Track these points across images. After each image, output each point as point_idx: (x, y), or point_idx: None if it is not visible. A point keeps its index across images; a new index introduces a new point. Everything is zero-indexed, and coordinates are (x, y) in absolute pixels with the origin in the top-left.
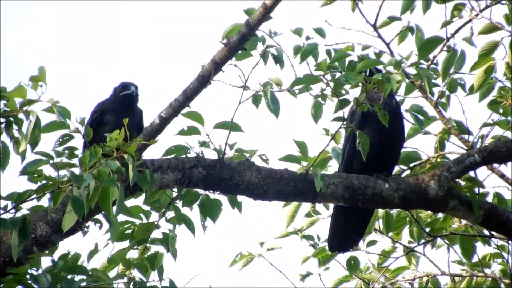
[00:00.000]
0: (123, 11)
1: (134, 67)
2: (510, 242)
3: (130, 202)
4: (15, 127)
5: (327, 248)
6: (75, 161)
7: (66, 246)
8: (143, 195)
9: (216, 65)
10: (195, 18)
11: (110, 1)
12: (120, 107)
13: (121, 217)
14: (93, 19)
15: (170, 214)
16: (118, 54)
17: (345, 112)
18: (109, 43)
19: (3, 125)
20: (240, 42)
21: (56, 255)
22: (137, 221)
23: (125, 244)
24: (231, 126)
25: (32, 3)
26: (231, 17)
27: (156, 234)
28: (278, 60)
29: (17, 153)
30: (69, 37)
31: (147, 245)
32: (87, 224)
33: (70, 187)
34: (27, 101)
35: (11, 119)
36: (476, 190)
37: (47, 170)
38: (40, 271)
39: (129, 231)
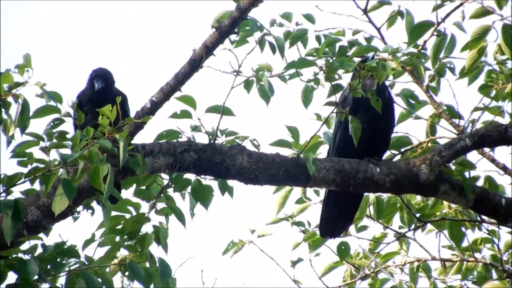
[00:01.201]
0: (123, 11)
1: (132, 59)
2: (500, 227)
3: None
4: (3, 110)
5: (317, 233)
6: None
7: (57, 231)
8: (133, 187)
9: (208, 49)
10: (187, 4)
11: (110, 1)
12: (96, 97)
13: (113, 213)
14: (93, 19)
15: (161, 205)
16: (118, 54)
17: (337, 97)
18: (109, 42)
19: None
20: (232, 26)
21: (49, 240)
22: (128, 215)
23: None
24: (222, 110)
25: (32, 3)
26: (223, 3)
27: (147, 227)
28: (279, 49)
29: (6, 136)
30: (69, 37)
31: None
32: (78, 209)
33: (61, 169)
34: (14, 85)
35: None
36: (467, 174)
37: (38, 153)
38: (28, 256)
39: (120, 226)
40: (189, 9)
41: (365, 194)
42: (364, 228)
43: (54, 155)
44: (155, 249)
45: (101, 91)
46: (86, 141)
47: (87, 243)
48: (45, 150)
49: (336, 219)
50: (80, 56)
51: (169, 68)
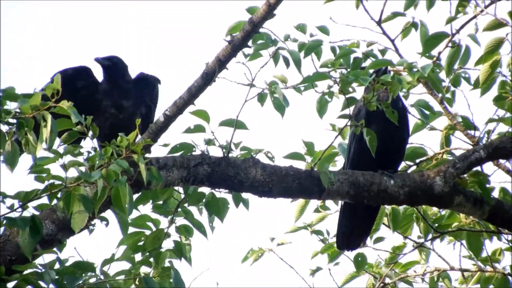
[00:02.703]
0: (124, 11)
1: (136, 66)
2: None
3: (136, 212)
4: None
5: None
6: (81, 158)
7: (72, 243)
8: (150, 202)
9: (220, 63)
10: (199, 16)
11: (110, 1)
12: (111, 85)
13: (131, 229)
14: (93, 19)
15: (180, 219)
16: (119, 54)
17: (351, 110)
18: (111, 43)
19: (14, 127)
20: (244, 39)
21: (65, 254)
22: (147, 232)
23: (138, 256)
24: (236, 124)
25: (32, 3)
26: (236, 14)
27: (168, 243)
28: (295, 63)
29: (28, 153)
30: (69, 37)
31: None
32: (93, 222)
33: (78, 186)
34: (40, 104)
35: (23, 121)
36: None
37: (55, 169)
38: (44, 269)
39: (141, 243)
40: (200, 16)
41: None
42: (380, 239)
43: (72, 171)
44: (177, 262)
45: (109, 68)
46: (103, 160)
47: (106, 262)
48: (65, 167)
49: (352, 232)
50: (80, 56)
51: (177, 74)
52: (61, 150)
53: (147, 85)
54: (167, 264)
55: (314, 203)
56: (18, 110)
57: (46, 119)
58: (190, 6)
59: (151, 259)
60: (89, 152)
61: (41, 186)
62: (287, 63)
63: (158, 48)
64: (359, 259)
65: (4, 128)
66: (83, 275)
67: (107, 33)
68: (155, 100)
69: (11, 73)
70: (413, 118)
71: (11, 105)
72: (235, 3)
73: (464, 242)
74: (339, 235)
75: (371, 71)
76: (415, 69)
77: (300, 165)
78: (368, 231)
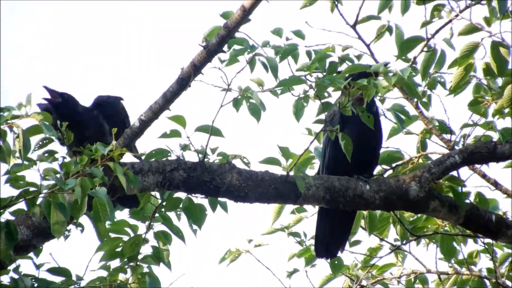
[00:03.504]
0: (124, 11)
1: (132, 65)
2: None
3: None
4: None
5: (312, 248)
6: (55, 164)
7: (47, 249)
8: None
9: (196, 68)
10: (174, 19)
11: (110, 1)
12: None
13: (110, 235)
14: (93, 19)
15: (157, 225)
16: (118, 54)
17: (326, 114)
18: (109, 42)
19: None
20: (219, 45)
21: (41, 259)
22: (125, 237)
23: (117, 262)
24: (211, 130)
25: (32, 3)
26: (212, 17)
27: (146, 248)
28: (272, 70)
29: (2, 161)
30: (69, 37)
31: (138, 263)
32: (68, 228)
33: (56, 193)
34: (11, 116)
35: None
36: (459, 189)
37: (30, 175)
38: (17, 275)
39: (119, 249)
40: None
41: None
42: (357, 242)
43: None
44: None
45: (60, 105)
46: (78, 168)
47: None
48: (43, 176)
49: (330, 239)
50: (80, 56)
51: (152, 77)
52: (34, 156)
53: (108, 106)
54: (146, 270)
55: (291, 205)
56: None
57: (18, 132)
58: (166, 7)
59: (126, 267)
60: (64, 158)
61: (16, 192)
62: (266, 68)
63: (146, 34)
64: (336, 262)
65: None
66: (59, 282)
67: (107, 33)
68: (123, 116)
69: (11, 73)
70: (389, 122)
71: None
72: (212, 3)
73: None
74: (317, 244)
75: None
76: (390, 74)
77: (276, 170)
78: (345, 238)
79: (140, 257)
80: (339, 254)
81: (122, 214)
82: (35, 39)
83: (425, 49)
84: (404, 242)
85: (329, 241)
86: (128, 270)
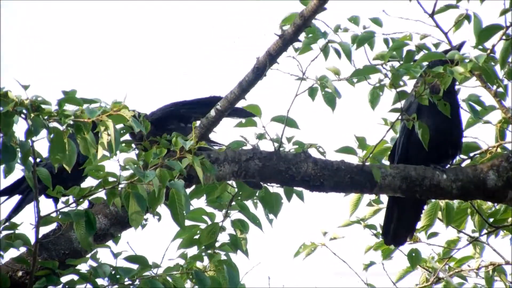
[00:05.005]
0: (125, 11)
1: (143, 65)
2: None
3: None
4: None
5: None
6: (133, 153)
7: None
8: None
9: (271, 57)
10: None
11: (110, 1)
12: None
13: (187, 222)
14: (93, 19)
15: (234, 213)
16: (119, 54)
17: (402, 103)
18: (111, 43)
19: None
20: (295, 33)
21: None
22: (203, 225)
23: (194, 250)
24: (286, 121)
25: (32, 3)
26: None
27: (223, 236)
28: (346, 55)
29: (84, 153)
30: (69, 37)
31: (215, 251)
32: (145, 217)
33: (135, 184)
34: (102, 111)
35: (81, 124)
36: None
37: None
38: (96, 263)
39: (197, 236)
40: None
41: (434, 200)
42: (434, 234)
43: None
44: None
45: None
46: (157, 159)
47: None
48: (122, 165)
49: (398, 227)
50: (81, 56)
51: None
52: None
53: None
54: (223, 257)
55: (368, 197)
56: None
57: (108, 126)
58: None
59: (204, 254)
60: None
61: (95, 182)
62: (338, 55)
63: (147, 34)
64: (413, 254)
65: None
66: (137, 269)
67: (107, 33)
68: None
69: (11, 73)
70: (466, 113)
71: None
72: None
73: None
74: (384, 231)
75: (424, 63)
76: (467, 60)
77: (352, 159)
78: (414, 226)
79: (217, 244)
80: (408, 243)
81: (199, 202)
82: (35, 39)
83: (504, 37)
84: (483, 233)
85: (397, 230)
86: (205, 258)
